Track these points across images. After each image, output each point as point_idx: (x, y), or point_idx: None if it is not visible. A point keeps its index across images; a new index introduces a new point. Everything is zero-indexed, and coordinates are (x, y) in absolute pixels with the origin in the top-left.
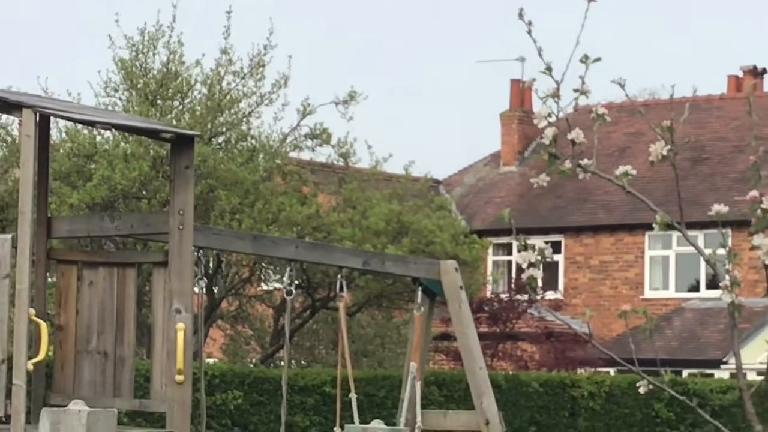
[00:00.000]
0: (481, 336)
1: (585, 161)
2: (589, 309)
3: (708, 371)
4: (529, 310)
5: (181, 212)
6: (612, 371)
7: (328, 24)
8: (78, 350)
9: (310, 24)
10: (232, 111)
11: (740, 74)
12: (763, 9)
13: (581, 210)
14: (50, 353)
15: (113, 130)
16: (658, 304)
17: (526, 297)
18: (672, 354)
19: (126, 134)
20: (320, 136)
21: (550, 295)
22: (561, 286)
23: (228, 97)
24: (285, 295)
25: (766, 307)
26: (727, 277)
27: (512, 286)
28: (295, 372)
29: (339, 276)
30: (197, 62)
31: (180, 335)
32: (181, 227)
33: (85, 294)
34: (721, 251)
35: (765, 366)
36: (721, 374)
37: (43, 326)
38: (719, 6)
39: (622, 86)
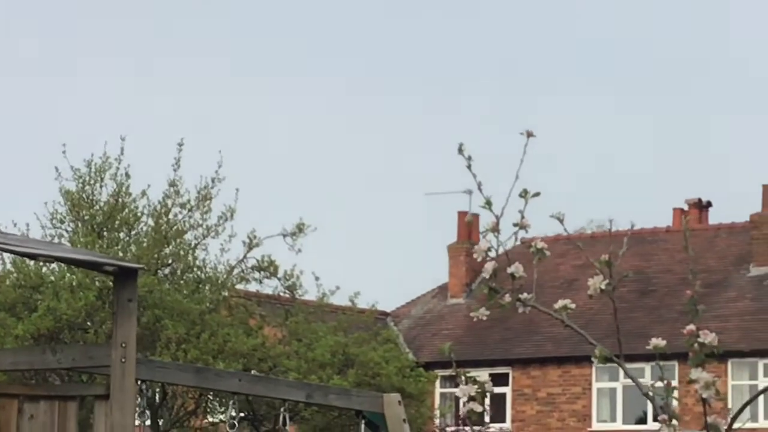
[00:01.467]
0: None
1: (525, 295)
2: None
3: None
4: None
5: (123, 345)
6: None
7: (277, 154)
8: None
9: (259, 154)
10: (179, 242)
11: (685, 207)
12: (708, 144)
13: (529, 342)
14: None
15: (56, 262)
16: None
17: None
18: None
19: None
20: (267, 268)
21: (498, 427)
22: (509, 418)
23: (174, 228)
24: (228, 429)
25: None
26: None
27: (459, 419)
28: None
29: (282, 409)
30: (143, 193)
31: None
32: (123, 360)
33: (26, 428)
34: (660, 384)
35: None
36: None
37: None
38: (665, 139)
39: (561, 221)
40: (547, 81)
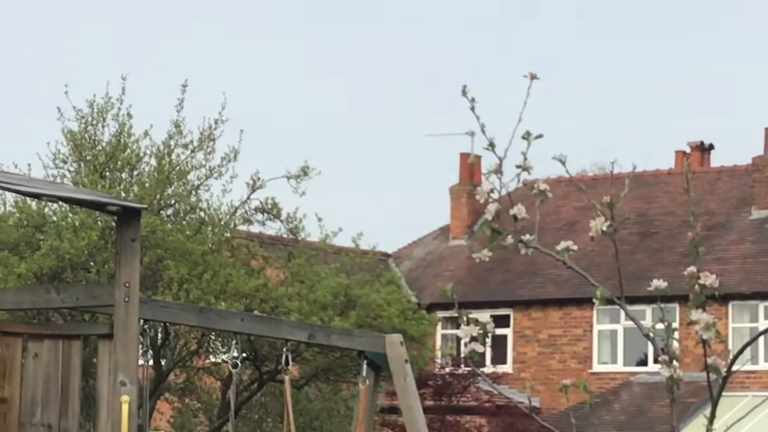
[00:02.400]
0: (427, 410)
1: (527, 237)
2: (528, 383)
3: None
4: (475, 384)
5: (126, 285)
6: None
7: (281, 96)
8: (22, 423)
9: (263, 96)
10: (181, 183)
11: (687, 149)
12: (711, 86)
13: (530, 284)
14: None
15: (60, 202)
16: (607, 378)
17: (473, 370)
18: (620, 428)
19: (75, 206)
20: (270, 210)
21: (499, 368)
22: (509, 359)
23: (177, 169)
24: (231, 368)
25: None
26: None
27: (459, 360)
28: None
29: (285, 349)
30: (146, 133)
31: (125, 408)
32: (126, 300)
33: (30, 366)
34: (660, 326)
35: None
36: None
37: None
38: (669, 81)
39: (563, 162)
40: (553, 22)
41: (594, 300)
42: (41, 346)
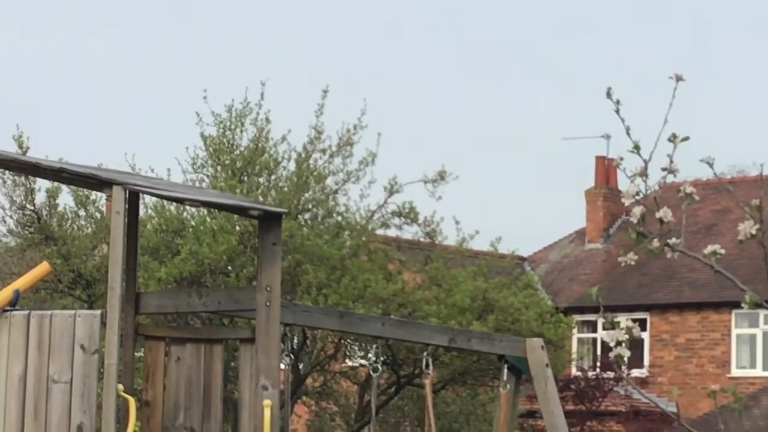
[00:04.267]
0: (568, 414)
1: (673, 240)
2: (676, 388)
3: None
4: (615, 389)
5: (268, 288)
6: None
7: (419, 101)
8: (165, 426)
9: (402, 100)
10: (319, 187)
11: None
12: None
13: (667, 288)
14: (137, 429)
15: (201, 206)
16: (746, 383)
17: (611, 375)
18: None
19: (214, 210)
20: (407, 214)
21: (635, 373)
22: (646, 363)
23: (315, 173)
24: (371, 372)
25: None
26: None
27: (597, 363)
28: None
29: (425, 353)
30: (283, 138)
31: (267, 412)
32: (268, 304)
33: (173, 370)
34: None
35: None
36: None
37: (131, 402)
38: None
39: (711, 165)
40: (697, 22)
41: (743, 304)
42: (183, 350)
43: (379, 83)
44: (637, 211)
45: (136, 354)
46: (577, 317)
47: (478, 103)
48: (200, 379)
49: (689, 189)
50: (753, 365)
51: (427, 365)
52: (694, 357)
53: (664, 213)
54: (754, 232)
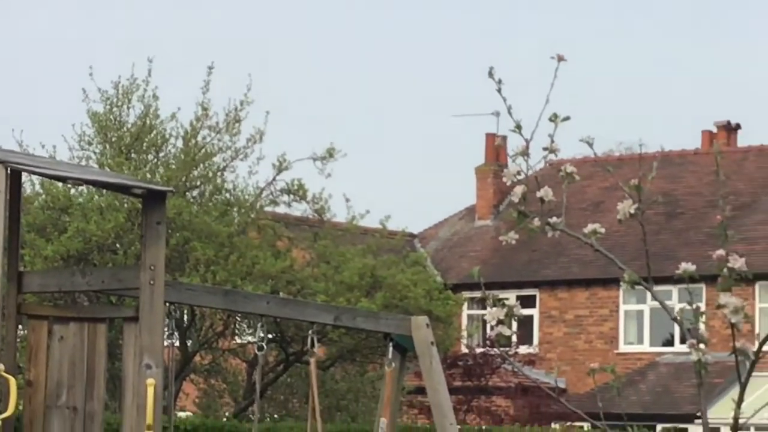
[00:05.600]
0: (456, 391)
1: (554, 219)
2: (557, 366)
3: (682, 426)
4: (503, 365)
5: (152, 267)
6: (586, 426)
7: (307, 78)
8: (48, 405)
9: (290, 78)
10: (207, 165)
11: (714, 129)
12: (738, 65)
13: (556, 264)
14: (20, 408)
15: (85, 185)
16: (633, 359)
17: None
18: (646, 408)
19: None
20: (296, 191)
21: (524, 349)
22: (536, 340)
23: (203, 151)
24: (257, 351)
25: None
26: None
27: (487, 341)
28: (267, 426)
29: (311, 331)
30: (173, 116)
31: (150, 391)
32: (152, 282)
33: (56, 349)
34: (688, 308)
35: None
36: (695, 429)
37: (12, 381)
38: (695, 61)
39: (591, 144)
40: (576, 3)
41: (621, 283)
42: (67, 329)
43: (268, 59)
44: (518, 190)
45: (19, 334)
46: (467, 294)
47: (367, 81)
48: (84, 359)
49: (570, 168)
50: (640, 341)
51: (313, 343)
52: (583, 333)
53: (545, 192)
54: (633, 211)
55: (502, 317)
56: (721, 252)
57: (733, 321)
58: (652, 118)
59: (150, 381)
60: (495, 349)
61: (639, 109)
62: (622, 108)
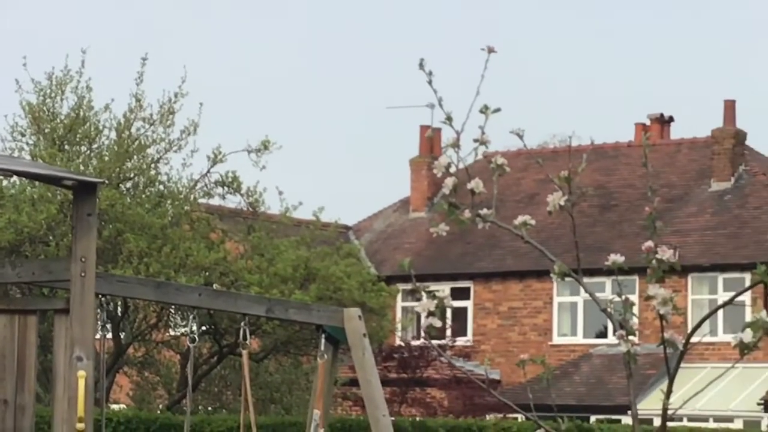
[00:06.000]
0: (391, 382)
1: (485, 211)
2: (487, 358)
3: (615, 417)
4: (439, 358)
5: (83, 259)
6: (520, 418)
7: (241, 70)
8: None
9: (223, 72)
10: (141, 156)
11: (647, 122)
12: (671, 58)
13: (490, 256)
14: None
15: (16, 176)
16: (567, 350)
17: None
18: (580, 400)
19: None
20: (231, 184)
21: (460, 341)
22: (470, 332)
23: (137, 142)
24: (189, 343)
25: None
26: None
27: (422, 332)
28: (201, 418)
29: (243, 323)
30: (106, 107)
31: (81, 383)
32: (83, 274)
33: None
34: (618, 300)
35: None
36: (628, 420)
37: None
38: (630, 54)
39: (521, 136)
40: None
41: (552, 274)
42: None
43: (202, 52)
44: (449, 182)
45: None
46: (402, 286)
47: (302, 72)
48: (14, 351)
49: (500, 160)
50: (574, 333)
51: (245, 336)
52: (517, 325)
53: (475, 184)
54: (562, 203)
55: (432, 309)
56: (649, 243)
57: (661, 312)
58: (587, 111)
59: (81, 373)
60: (429, 341)
61: (573, 102)
62: (556, 101)
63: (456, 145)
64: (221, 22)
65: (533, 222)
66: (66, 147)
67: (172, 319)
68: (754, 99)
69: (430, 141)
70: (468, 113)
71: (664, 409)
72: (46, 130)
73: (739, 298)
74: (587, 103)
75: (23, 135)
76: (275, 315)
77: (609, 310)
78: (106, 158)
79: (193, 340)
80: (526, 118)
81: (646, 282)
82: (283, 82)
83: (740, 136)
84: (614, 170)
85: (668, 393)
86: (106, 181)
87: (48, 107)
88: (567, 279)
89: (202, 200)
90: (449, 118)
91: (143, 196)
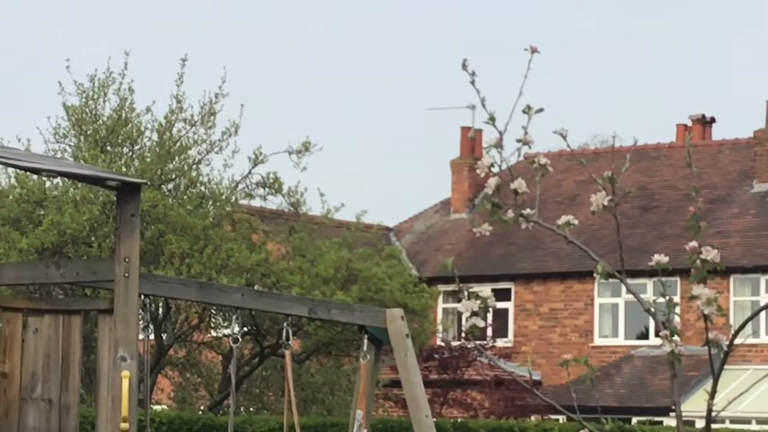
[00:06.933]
0: (432, 383)
1: (528, 211)
2: (530, 358)
3: (657, 419)
4: (479, 358)
5: (126, 260)
6: (562, 419)
7: (284, 73)
8: (23, 398)
9: (266, 73)
10: (182, 158)
11: (689, 123)
12: (713, 59)
13: (531, 257)
14: None
15: (59, 177)
16: (608, 352)
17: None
18: (621, 401)
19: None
20: (272, 185)
21: (501, 342)
22: (511, 333)
23: (178, 144)
24: (231, 343)
25: (715, 356)
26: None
27: (462, 333)
28: (243, 419)
29: (285, 324)
30: (148, 109)
31: (125, 383)
32: (126, 275)
33: (30, 341)
34: (662, 300)
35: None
36: (670, 422)
37: None
38: (671, 56)
39: (564, 137)
40: None
41: (595, 275)
42: (41, 321)
43: (243, 53)
44: (492, 182)
45: None
46: (442, 287)
47: (344, 74)
48: (58, 351)
49: (543, 160)
50: (615, 334)
51: (288, 336)
52: (558, 326)
53: (518, 184)
54: (606, 203)
55: (475, 309)
56: (693, 244)
57: (705, 312)
58: (628, 112)
59: (125, 373)
60: (471, 342)
61: (615, 104)
62: (598, 102)
63: (499, 145)
64: (262, 22)
65: (576, 222)
66: (108, 148)
67: (213, 320)
68: None
69: (472, 142)
70: (511, 114)
71: (709, 410)
72: (89, 132)
73: None
74: (628, 104)
75: (65, 137)
76: (318, 315)
77: (652, 309)
78: (148, 160)
79: (235, 341)
80: (566, 119)
81: (690, 282)
82: (325, 82)
83: None
84: (655, 171)
85: (713, 393)
86: (149, 183)
87: (90, 109)
88: (610, 280)
89: (243, 201)
90: (492, 118)
91: (185, 197)
